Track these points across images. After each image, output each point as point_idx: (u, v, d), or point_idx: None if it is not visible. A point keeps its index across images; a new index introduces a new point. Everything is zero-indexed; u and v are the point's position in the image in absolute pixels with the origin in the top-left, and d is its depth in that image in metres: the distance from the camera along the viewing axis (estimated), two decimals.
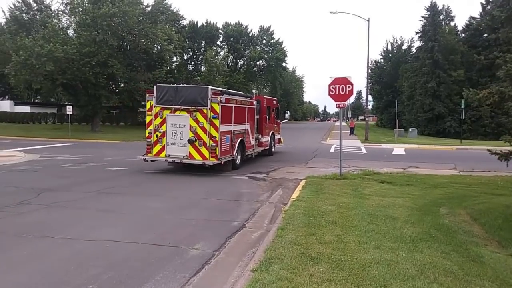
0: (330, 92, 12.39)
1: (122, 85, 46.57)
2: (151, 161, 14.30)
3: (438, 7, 52.68)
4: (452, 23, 54.78)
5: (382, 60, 70.60)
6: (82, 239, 6.25)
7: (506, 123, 38.26)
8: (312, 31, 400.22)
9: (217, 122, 13.29)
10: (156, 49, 47.52)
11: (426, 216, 7.68)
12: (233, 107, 14.74)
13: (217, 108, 13.26)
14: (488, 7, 49.29)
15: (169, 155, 13.81)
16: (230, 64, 66.75)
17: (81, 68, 36.79)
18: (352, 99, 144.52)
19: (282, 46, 64.78)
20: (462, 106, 31.42)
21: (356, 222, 6.92)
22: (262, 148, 18.97)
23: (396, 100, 30.74)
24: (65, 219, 7.58)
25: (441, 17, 53.17)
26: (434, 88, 48.77)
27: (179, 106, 13.56)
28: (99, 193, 10.12)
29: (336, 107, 12.39)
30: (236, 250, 5.89)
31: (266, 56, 63.27)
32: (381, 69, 69.65)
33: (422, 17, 52.68)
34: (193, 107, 13.40)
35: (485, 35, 50.75)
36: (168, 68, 49.81)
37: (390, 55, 68.17)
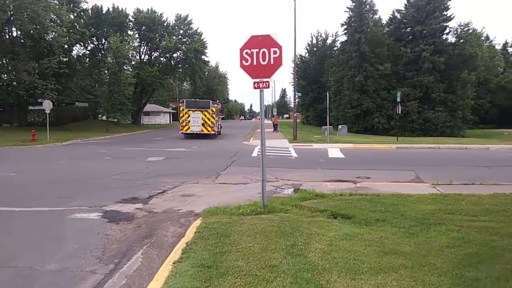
0: (244, 62, 7.04)
1: (9, 76, 37.54)
2: (184, 133, 29.71)
3: None
4: (376, 17, 52.98)
5: (307, 55, 67.70)
6: None
7: (432, 118, 35.97)
8: (235, 26, 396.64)
9: (214, 115, 29.54)
10: (51, 35, 39.10)
11: None
12: (216, 108, 31.44)
13: (214, 109, 29.83)
14: None
15: (191, 130, 29.20)
16: (144, 56, 59.28)
17: None
18: (276, 97, 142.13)
19: (202, 38, 58.64)
20: (398, 99, 28.13)
21: None
22: (218, 130, 33.09)
23: (327, 93, 26.50)
24: None
25: (366, 8, 50.82)
26: (362, 82, 46.18)
27: (197, 109, 29.23)
28: None
29: (254, 87, 7.05)
30: None
31: (183, 47, 56.62)
32: (306, 63, 66.66)
33: (348, 7, 50.07)
34: (203, 109, 29.14)
35: (409, 28, 49.49)
36: (64, 58, 41.35)
37: (315, 49, 65.36)
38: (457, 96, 45.10)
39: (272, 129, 41.40)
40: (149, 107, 70.46)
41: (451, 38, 48.59)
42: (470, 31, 48.81)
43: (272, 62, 6.89)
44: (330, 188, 9.98)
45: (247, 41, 7.04)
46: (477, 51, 47.28)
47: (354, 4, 49.11)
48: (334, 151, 20.79)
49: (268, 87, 6.95)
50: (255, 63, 6.94)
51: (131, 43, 48.80)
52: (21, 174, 12.91)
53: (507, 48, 70.14)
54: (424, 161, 16.29)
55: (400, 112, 28.24)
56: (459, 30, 48.21)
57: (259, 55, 6.92)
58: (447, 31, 48.36)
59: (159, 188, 10.28)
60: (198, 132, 29.04)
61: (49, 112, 28.56)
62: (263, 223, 6.28)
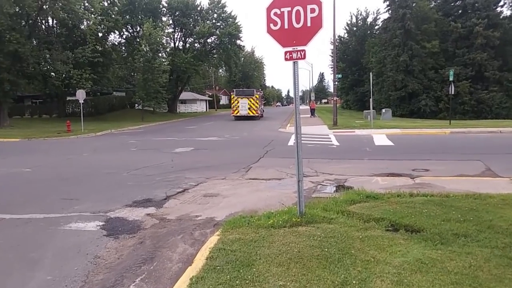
0: (272, 26, 5.35)
1: (45, 66, 37.56)
2: (235, 116, 37.60)
3: None
4: None
5: (346, 35, 64.36)
6: None
7: (486, 99, 32.21)
8: None
9: (258, 101, 38.21)
10: (85, 23, 38.86)
11: None
12: (259, 95, 40.77)
13: (258, 96, 38.92)
14: None
15: (240, 114, 37.18)
16: (178, 42, 58.34)
17: None
18: (314, 81, 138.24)
19: (236, 21, 56.79)
20: (451, 79, 25.30)
21: None
22: (261, 113, 41.16)
23: (371, 73, 24.20)
24: None
25: None
26: (407, 62, 42.86)
27: (244, 96, 37.84)
28: None
29: (286, 58, 5.34)
30: None
31: (217, 31, 55.04)
32: (345, 45, 63.38)
33: None
34: (249, 96, 37.82)
35: (459, 1, 45.35)
36: (99, 47, 40.86)
37: (355, 28, 61.92)
38: None
39: (309, 115, 40.89)
40: (185, 95, 69.87)
41: (506, 11, 44.31)
42: None
43: (309, 24, 5.14)
44: (382, 185, 8.17)
45: (273, 0, 5.33)
46: None
47: None
48: (381, 137, 18.70)
49: (304, 57, 5.22)
50: (286, 26, 5.23)
51: (164, 29, 47.83)
52: (36, 169, 11.92)
53: None
54: (489, 149, 13.97)
55: (452, 93, 25.40)
56: None
57: (292, 15, 5.19)
58: (501, 3, 43.98)
59: (180, 185, 8.88)
60: (246, 115, 37.13)
61: (82, 102, 27.99)
62: (300, 242, 4.64)
